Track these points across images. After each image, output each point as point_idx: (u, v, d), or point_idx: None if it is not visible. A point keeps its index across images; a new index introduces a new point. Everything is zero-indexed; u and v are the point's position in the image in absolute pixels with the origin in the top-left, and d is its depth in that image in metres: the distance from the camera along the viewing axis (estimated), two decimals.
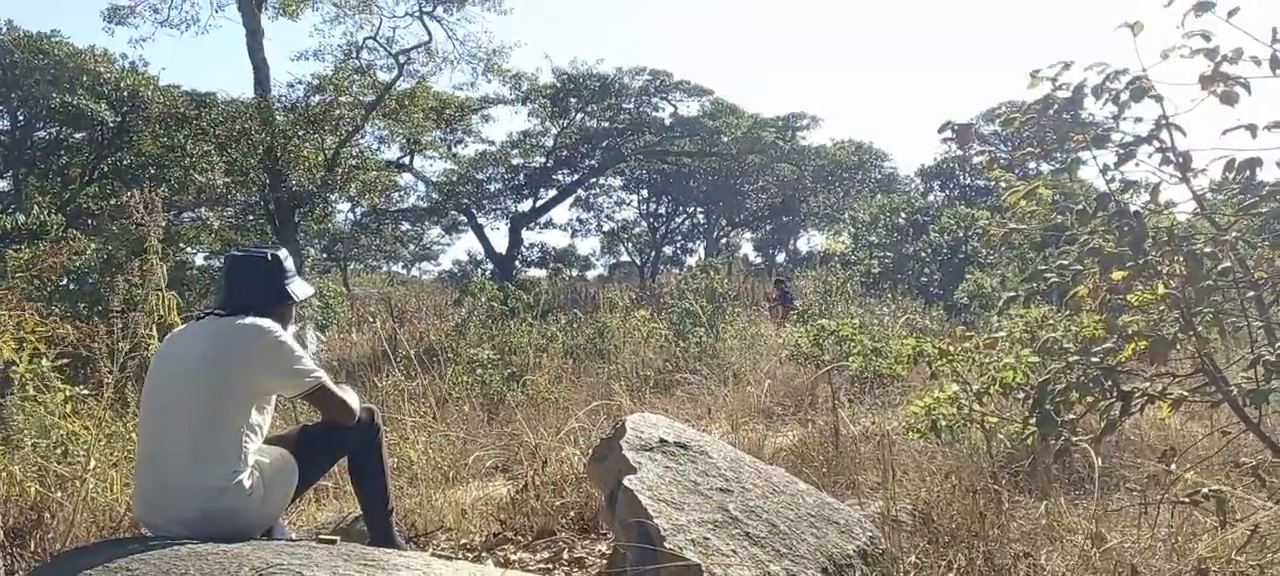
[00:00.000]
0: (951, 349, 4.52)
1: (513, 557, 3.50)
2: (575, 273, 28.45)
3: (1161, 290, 3.33)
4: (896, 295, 16.56)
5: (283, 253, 3.17)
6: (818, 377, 7.86)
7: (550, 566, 3.29)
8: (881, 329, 9.97)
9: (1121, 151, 3.55)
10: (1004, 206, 3.97)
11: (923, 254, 20.98)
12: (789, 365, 9.42)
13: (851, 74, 64.14)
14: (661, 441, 2.81)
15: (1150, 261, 3.32)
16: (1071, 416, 3.49)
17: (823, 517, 2.78)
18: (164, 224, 4.90)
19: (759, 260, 36.74)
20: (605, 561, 3.19)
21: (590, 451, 2.99)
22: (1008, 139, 36.18)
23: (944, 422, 5.04)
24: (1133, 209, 3.46)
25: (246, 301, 2.99)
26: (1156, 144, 3.54)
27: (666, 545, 2.29)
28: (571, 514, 4.12)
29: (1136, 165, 3.59)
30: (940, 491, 4.75)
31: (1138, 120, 3.63)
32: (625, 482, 2.54)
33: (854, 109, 63.26)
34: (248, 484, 2.81)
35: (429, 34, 21.22)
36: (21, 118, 22.05)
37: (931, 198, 28.96)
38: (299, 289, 3.16)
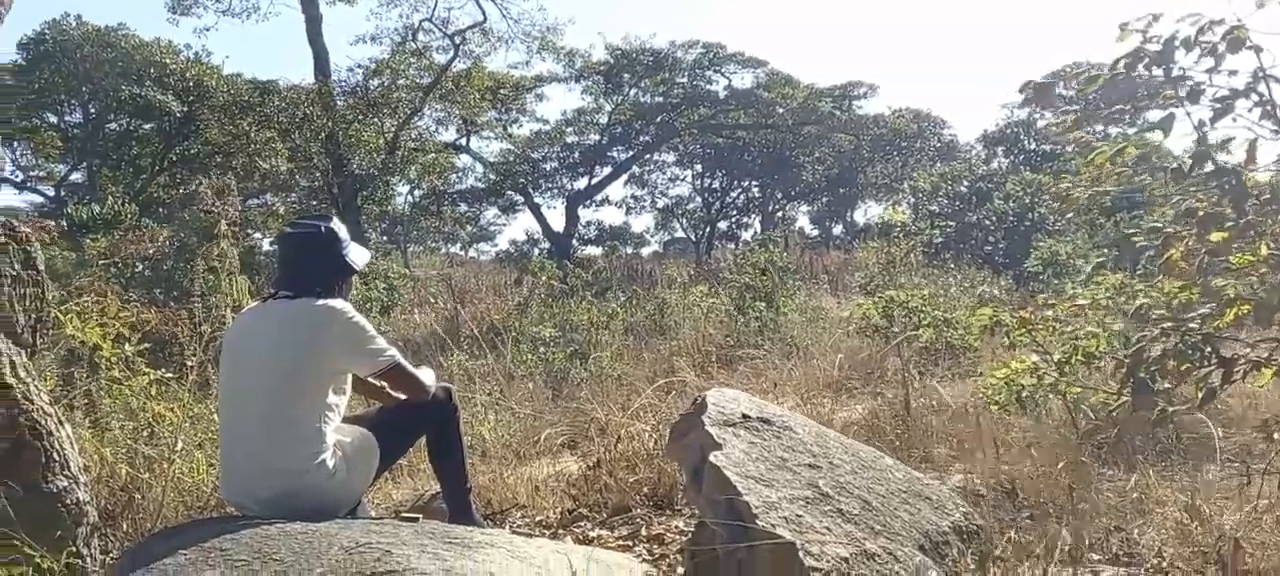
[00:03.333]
0: (1032, 317, 4.35)
1: (591, 534, 3.49)
2: (630, 250, 28.46)
3: (1264, 251, 3.16)
4: (960, 265, 16.21)
5: (335, 221, 3.13)
6: (887, 350, 7.72)
7: (629, 543, 3.27)
8: (948, 300, 9.76)
9: (1217, 106, 3.36)
10: (1079, 169, 3.81)
11: (987, 222, 20.46)
12: (853, 338, 9.28)
13: (908, 40, 62.76)
14: (744, 416, 2.76)
15: (1252, 221, 3.14)
16: (1166, 386, 3.34)
17: (914, 493, 2.71)
18: (239, 209, 4.99)
19: (815, 233, 36.29)
20: (686, 538, 3.16)
21: (669, 428, 2.95)
22: (1077, 100, 34.90)
23: (1024, 394, 4.90)
24: (1231, 166, 3.28)
25: (308, 279, 2.97)
26: (1255, 97, 3.35)
27: (759, 523, 2.24)
28: (645, 490, 4.10)
29: (1234, 121, 3.40)
30: (1022, 464, 4.63)
31: (1232, 73, 3.43)
32: (712, 459, 2.49)
33: (911, 76, 61.92)
34: (330, 464, 2.84)
35: (484, 13, 21.26)
36: (93, 111, 22.76)
37: (995, 164, 28.23)
38: (357, 256, 3.13)
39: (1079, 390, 4.76)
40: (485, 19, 21.25)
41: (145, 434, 3.97)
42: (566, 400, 8.01)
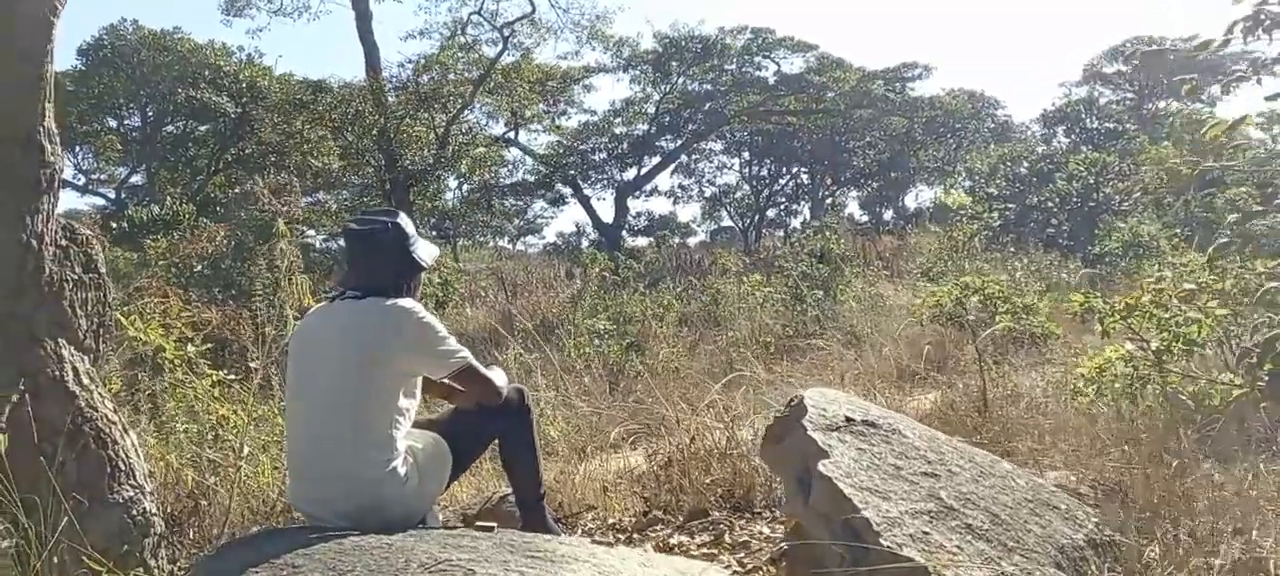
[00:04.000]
0: (1133, 302, 4.07)
1: (671, 540, 3.31)
2: (677, 239, 28.25)
3: None
4: (1022, 248, 15.72)
5: (401, 216, 2.98)
6: (962, 338, 7.43)
7: (713, 551, 3.09)
8: (1017, 285, 9.40)
9: None
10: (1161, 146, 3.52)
11: (1049, 204, 19.85)
12: (914, 326, 8.98)
13: (960, 20, 61.38)
14: (848, 419, 2.55)
15: None
16: None
17: (1041, 502, 2.48)
18: (301, 205, 4.91)
19: (866, 218, 35.67)
20: (774, 545, 2.97)
21: (754, 428, 2.75)
22: (1135, 77, 33.96)
23: (1119, 384, 4.61)
24: None
25: (376, 277, 2.83)
26: None
27: (882, 542, 2.03)
28: (720, 491, 3.92)
29: None
30: (1121, 460, 4.35)
31: None
32: (820, 468, 2.29)
33: (964, 57, 60.53)
34: (402, 471, 2.70)
35: (532, 4, 21.16)
36: (151, 114, 23.20)
37: (1054, 144, 27.42)
38: (425, 253, 2.98)
39: (1179, 379, 4.45)
40: (534, 10, 21.18)
41: (210, 436, 3.88)
42: (624, 394, 7.88)
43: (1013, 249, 15.56)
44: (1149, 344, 4.47)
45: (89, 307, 2.86)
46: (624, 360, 9.26)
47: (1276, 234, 3.22)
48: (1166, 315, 4.35)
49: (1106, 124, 27.06)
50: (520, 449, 3.06)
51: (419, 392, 2.88)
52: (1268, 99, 3.00)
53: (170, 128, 23.44)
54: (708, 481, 3.91)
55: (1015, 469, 2.79)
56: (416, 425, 2.93)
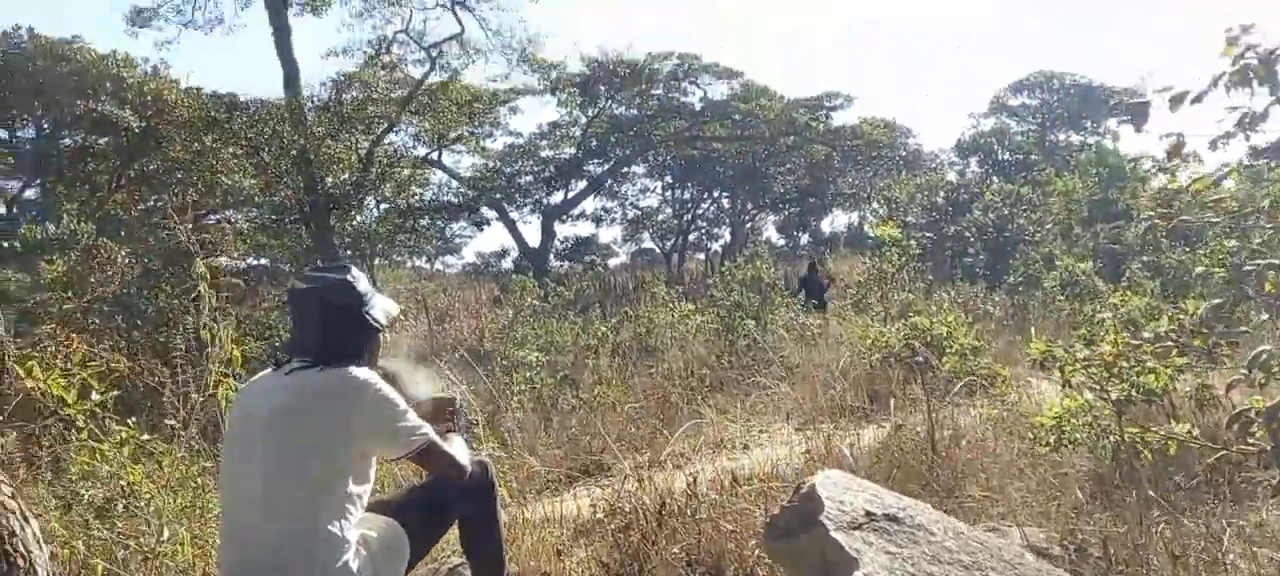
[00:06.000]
0: (1108, 358, 4.01)
1: None
2: (598, 261, 28.10)
3: None
4: (943, 278, 16.01)
5: (353, 272, 2.67)
6: (899, 372, 7.39)
7: None
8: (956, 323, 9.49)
9: None
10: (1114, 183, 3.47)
11: (966, 233, 20.36)
12: (847, 358, 8.96)
13: (872, 51, 63.16)
14: (868, 514, 2.34)
15: None
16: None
17: None
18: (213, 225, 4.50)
19: (783, 242, 36.17)
20: None
21: (768, 522, 2.51)
22: (1037, 112, 35.41)
23: (1078, 435, 4.58)
24: None
25: (326, 343, 2.52)
26: None
27: None
28: (686, 559, 3.68)
29: None
30: (1082, 512, 4.30)
31: None
32: None
33: (877, 85, 62.34)
34: (355, 567, 2.37)
35: (461, 25, 20.73)
36: (47, 126, 21.88)
37: (968, 173, 28.29)
38: (381, 312, 2.67)
39: (1139, 429, 4.43)
40: (463, 31, 20.76)
41: (119, 507, 3.46)
42: (559, 429, 7.62)
43: (932, 278, 15.86)
44: (1109, 393, 4.44)
45: None
46: (558, 393, 9.00)
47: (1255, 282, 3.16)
48: (1130, 365, 4.32)
49: (1016, 156, 28.06)
50: (483, 529, 2.78)
51: (372, 477, 2.55)
52: (1259, 154, 2.94)
53: (67, 141, 22.14)
54: (675, 550, 3.67)
55: (1043, 564, 2.63)
56: (369, 507, 2.60)
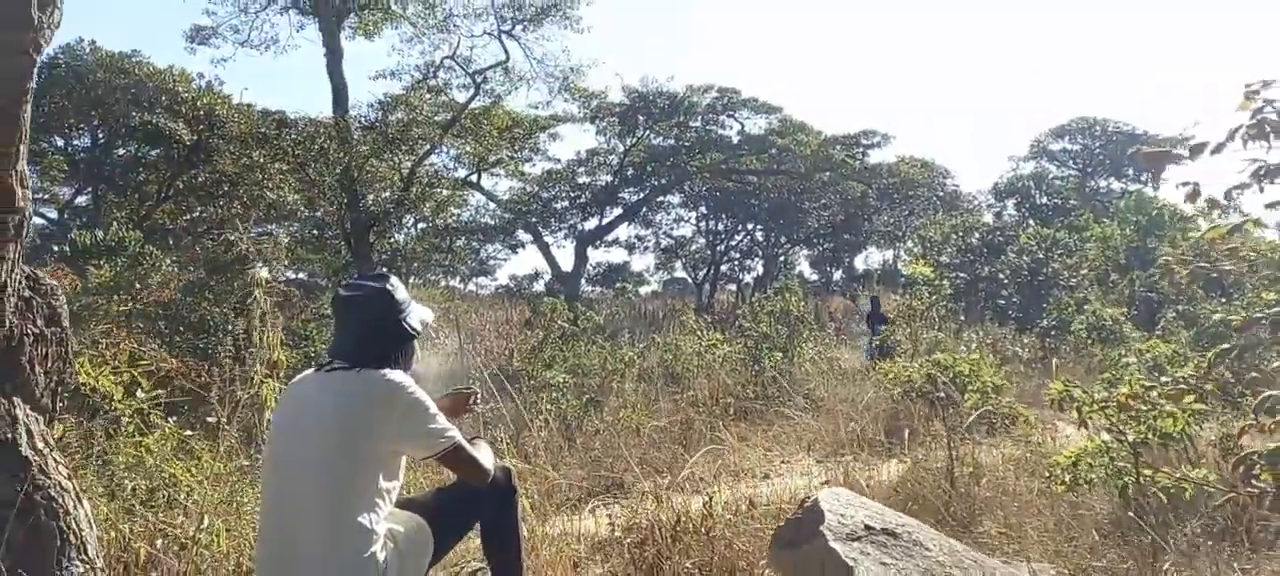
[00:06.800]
0: (1122, 400, 4.07)
1: None
2: (630, 288, 28.28)
3: None
4: (974, 318, 15.96)
5: (393, 281, 2.85)
6: (922, 408, 7.43)
7: None
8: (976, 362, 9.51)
9: None
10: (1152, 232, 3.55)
11: (1000, 275, 20.24)
12: (868, 392, 8.99)
13: (913, 90, 63.08)
14: (867, 527, 2.45)
15: None
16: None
17: None
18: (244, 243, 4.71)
19: (815, 277, 36.11)
20: None
21: (774, 533, 2.62)
22: (1077, 156, 35.18)
23: (1094, 475, 4.61)
24: None
25: (365, 347, 2.70)
26: None
27: None
28: (699, 575, 3.79)
29: None
30: (1098, 552, 4.33)
31: None
32: None
33: (916, 126, 62.15)
34: (382, 558, 2.53)
35: (507, 53, 21.17)
36: (102, 136, 22.56)
37: (1005, 216, 28.16)
38: (417, 319, 2.85)
39: (1154, 472, 4.46)
40: (509, 58, 21.15)
41: (163, 499, 3.65)
42: (582, 449, 7.73)
43: (964, 318, 15.79)
44: (1126, 435, 4.48)
45: (48, 364, 2.66)
46: (582, 415, 9.11)
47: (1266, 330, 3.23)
48: (1146, 409, 4.37)
49: (1054, 200, 27.87)
50: (504, 532, 2.92)
51: (402, 474, 2.72)
52: (1268, 206, 3.02)
53: (121, 151, 22.81)
54: (688, 564, 3.78)
55: None
56: (399, 504, 2.76)
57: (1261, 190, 2.95)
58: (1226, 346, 3.24)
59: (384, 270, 3.32)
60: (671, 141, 26.11)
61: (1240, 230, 3.09)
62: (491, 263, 32.80)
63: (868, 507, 2.67)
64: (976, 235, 22.78)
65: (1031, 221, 25.89)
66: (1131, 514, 4.52)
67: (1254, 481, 3.03)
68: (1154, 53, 59.20)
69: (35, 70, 2.55)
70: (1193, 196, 3.16)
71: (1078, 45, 61.72)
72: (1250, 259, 3.17)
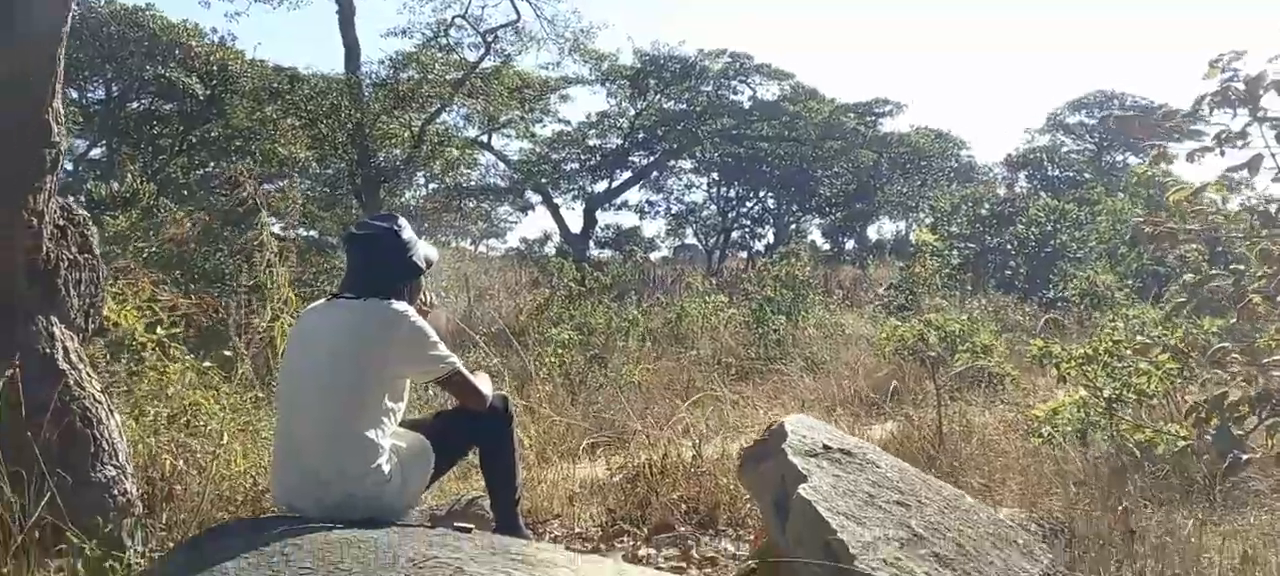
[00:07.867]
0: (1091, 352, 4.26)
1: (639, 553, 3.40)
2: (641, 254, 28.42)
3: None
4: (980, 288, 16.09)
5: (401, 222, 3.06)
6: (919, 371, 7.62)
7: (682, 565, 3.19)
8: (974, 323, 9.68)
9: None
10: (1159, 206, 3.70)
11: (1008, 246, 20.33)
12: (872, 356, 9.19)
13: (931, 59, 62.59)
14: (825, 447, 2.66)
15: None
16: (1240, 432, 3.23)
17: (1002, 537, 2.62)
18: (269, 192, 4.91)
19: (827, 246, 36.13)
20: (739, 563, 3.07)
21: (733, 450, 2.85)
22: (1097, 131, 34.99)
23: (1070, 428, 4.81)
24: None
25: (375, 282, 2.91)
26: None
27: (857, 565, 2.14)
28: (686, 507, 4.02)
29: None
30: (1069, 501, 4.53)
31: None
32: (801, 492, 2.40)
33: (932, 95, 61.76)
34: (387, 470, 2.76)
35: (518, 13, 21.14)
36: (116, 89, 22.73)
37: (1017, 187, 28.11)
38: (421, 256, 3.07)
39: (1129, 427, 4.65)
40: (519, 18, 21.16)
41: (183, 422, 3.89)
42: (586, 404, 7.96)
43: (970, 287, 15.92)
44: (1102, 391, 4.67)
45: (82, 287, 2.88)
46: (587, 371, 9.32)
47: (1223, 294, 3.41)
48: (1120, 365, 4.55)
49: (1067, 173, 27.82)
50: (500, 456, 3.14)
51: (407, 395, 2.95)
52: (1229, 170, 3.18)
53: (135, 104, 22.99)
54: (675, 497, 4.00)
55: (978, 503, 2.94)
56: (404, 424, 3.00)
57: (1221, 154, 3.11)
58: (1181, 300, 3.41)
59: (393, 213, 3.52)
60: (683, 106, 26.13)
61: (1201, 194, 3.25)
62: (502, 225, 33.05)
63: (831, 433, 2.88)
64: (986, 206, 22.84)
65: (1042, 194, 25.87)
66: (1097, 464, 4.71)
67: (1206, 432, 3.22)
68: (1176, 28, 58.52)
69: (70, 16, 2.74)
70: (1160, 159, 3.32)
71: (1101, 17, 61.09)
72: (1218, 222, 3.33)
